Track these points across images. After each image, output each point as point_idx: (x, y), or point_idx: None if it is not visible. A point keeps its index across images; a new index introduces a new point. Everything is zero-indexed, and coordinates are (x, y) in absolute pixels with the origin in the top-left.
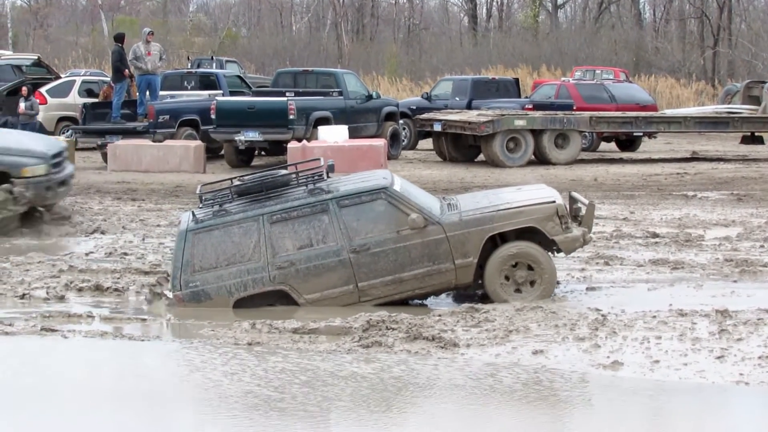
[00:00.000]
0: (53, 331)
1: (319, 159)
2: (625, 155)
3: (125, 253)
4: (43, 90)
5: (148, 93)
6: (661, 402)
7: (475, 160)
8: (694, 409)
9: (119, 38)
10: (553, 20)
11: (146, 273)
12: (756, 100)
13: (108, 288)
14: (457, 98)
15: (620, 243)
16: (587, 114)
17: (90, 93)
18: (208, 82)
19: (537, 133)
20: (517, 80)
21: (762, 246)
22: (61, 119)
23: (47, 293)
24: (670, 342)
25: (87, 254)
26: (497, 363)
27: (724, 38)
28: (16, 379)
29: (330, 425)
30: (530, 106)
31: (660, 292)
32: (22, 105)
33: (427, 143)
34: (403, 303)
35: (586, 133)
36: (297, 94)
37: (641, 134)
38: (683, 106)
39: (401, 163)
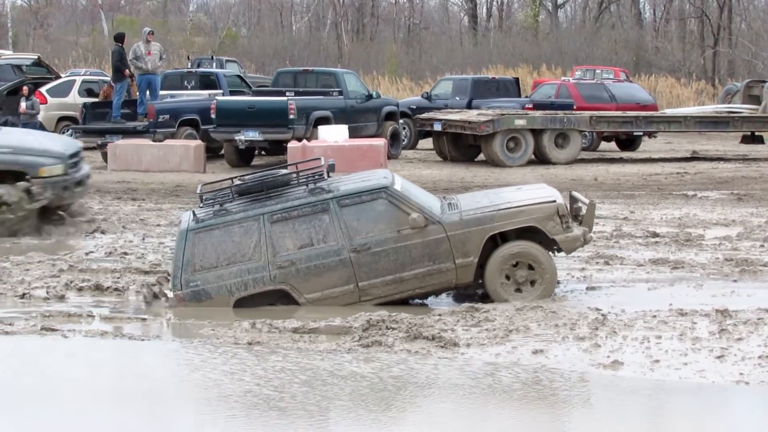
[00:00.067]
0: (53, 330)
1: (319, 158)
2: (626, 155)
3: (125, 253)
4: (43, 90)
5: (148, 93)
6: (661, 401)
7: (475, 159)
8: (694, 409)
9: (119, 38)
10: (553, 20)
11: (146, 272)
12: (756, 100)
13: (108, 287)
14: (457, 98)
15: (620, 242)
16: (587, 113)
17: (90, 93)
18: (208, 82)
19: (537, 133)
20: (517, 80)
21: (762, 245)
22: (61, 119)
23: (47, 293)
24: (670, 341)
25: (87, 254)
26: (497, 362)
27: (725, 38)
28: (16, 379)
29: (329, 424)
30: (530, 106)
31: (660, 291)
32: (23, 104)
33: (427, 143)
34: (403, 302)
35: (587, 133)
36: (297, 93)
37: (641, 134)
38: (683, 106)
39: (401, 163)
